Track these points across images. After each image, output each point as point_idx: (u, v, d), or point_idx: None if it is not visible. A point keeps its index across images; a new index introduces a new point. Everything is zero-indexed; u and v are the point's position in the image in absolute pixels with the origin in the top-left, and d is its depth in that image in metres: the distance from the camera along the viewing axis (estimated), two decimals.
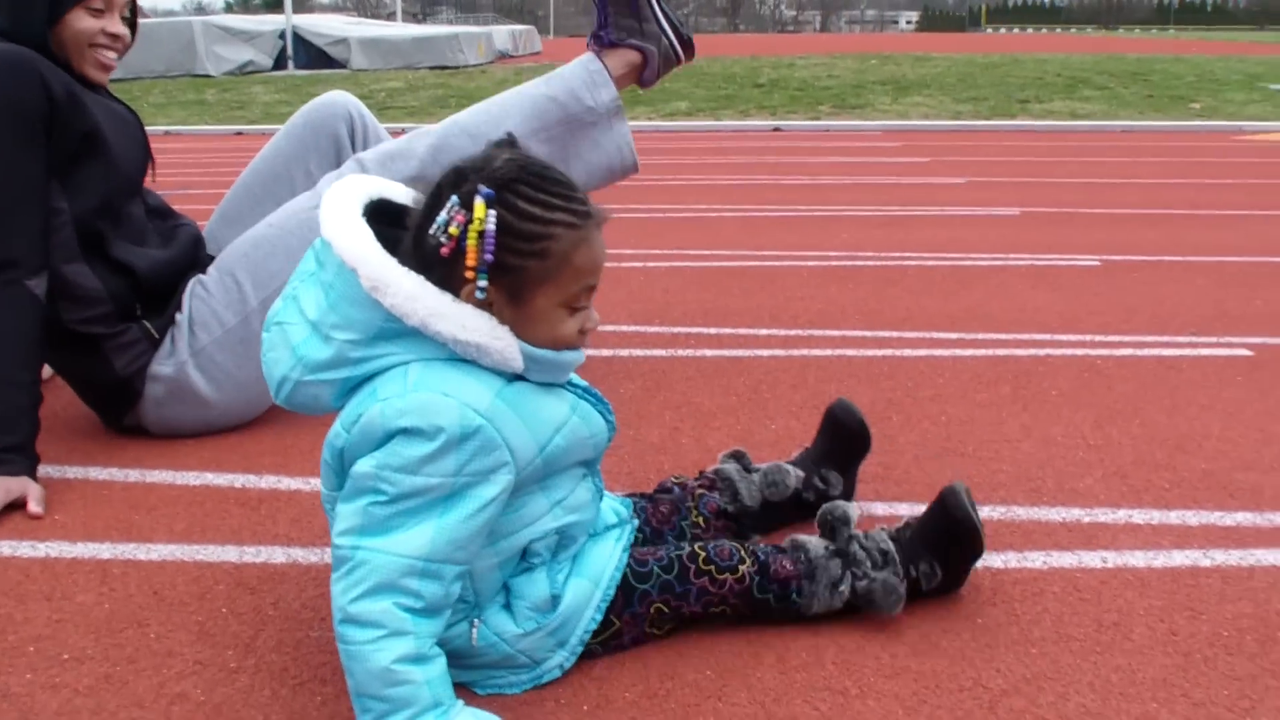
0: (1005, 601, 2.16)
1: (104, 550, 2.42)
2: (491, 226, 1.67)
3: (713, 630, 2.05)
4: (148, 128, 3.20)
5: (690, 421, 3.13)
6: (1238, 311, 4.21)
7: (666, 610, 1.98)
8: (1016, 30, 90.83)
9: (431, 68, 22.70)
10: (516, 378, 1.79)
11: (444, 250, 1.68)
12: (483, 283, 1.70)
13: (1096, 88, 15.66)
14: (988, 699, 1.86)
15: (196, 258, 3.17)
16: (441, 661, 1.71)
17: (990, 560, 2.31)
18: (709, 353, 3.73)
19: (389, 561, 1.66)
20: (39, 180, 2.77)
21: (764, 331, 3.95)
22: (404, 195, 1.91)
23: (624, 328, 4.02)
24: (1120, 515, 2.53)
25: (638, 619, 1.97)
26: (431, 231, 1.70)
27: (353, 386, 1.78)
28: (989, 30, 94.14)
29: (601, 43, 3.37)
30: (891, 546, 2.09)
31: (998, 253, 5.27)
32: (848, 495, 2.49)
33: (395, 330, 1.72)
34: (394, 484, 1.67)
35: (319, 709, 1.86)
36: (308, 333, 1.77)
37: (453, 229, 1.68)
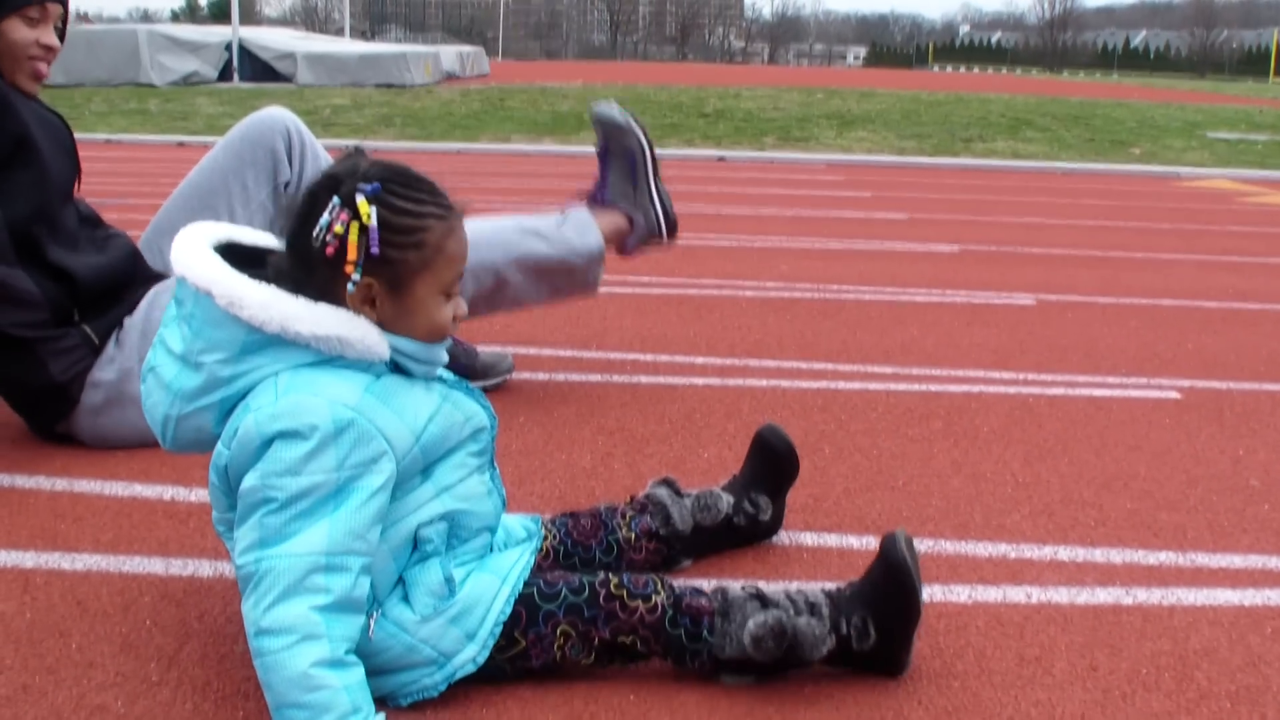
0: (929, 634, 2.17)
1: (27, 559, 2.40)
2: (374, 222, 1.78)
3: (637, 654, 2.04)
4: (89, 136, 3.19)
5: (623, 447, 3.13)
6: (1168, 354, 4.26)
7: (573, 634, 1.95)
8: (962, 69, 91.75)
9: (378, 85, 22.66)
10: (386, 372, 1.86)
11: (329, 250, 1.78)
12: (357, 276, 1.80)
13: (1039, 129, 15.84)
14: None
15: (136, 268, 3.15)
16: (359, 671, 1.73)
17: None
18: (644, 379, 3.74)
19: (292, 563, 1.70)
20: None
21: (700, 360, 3.96)
22: (251, 237, 2.01)
23: (560, 352, 4.02)
24: (1046, 552, 2.55)
25: (543, 640, 1.94)
26: (315, 234, 1.78)
27: (229, 409, 1.84)
28: (935, 69, 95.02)
29: (595, 201, 3.49)
30: (822, 599, 2.00)
31: (935, 288, 5.32)
32: (777, 520, 2.50)
33: (259, 342, 1.80)
34: (281, 489, 1.72)
35: None
36: (178, 367, 1.85)
37: (337, 228, 1.77)
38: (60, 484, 2.81)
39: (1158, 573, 2.47)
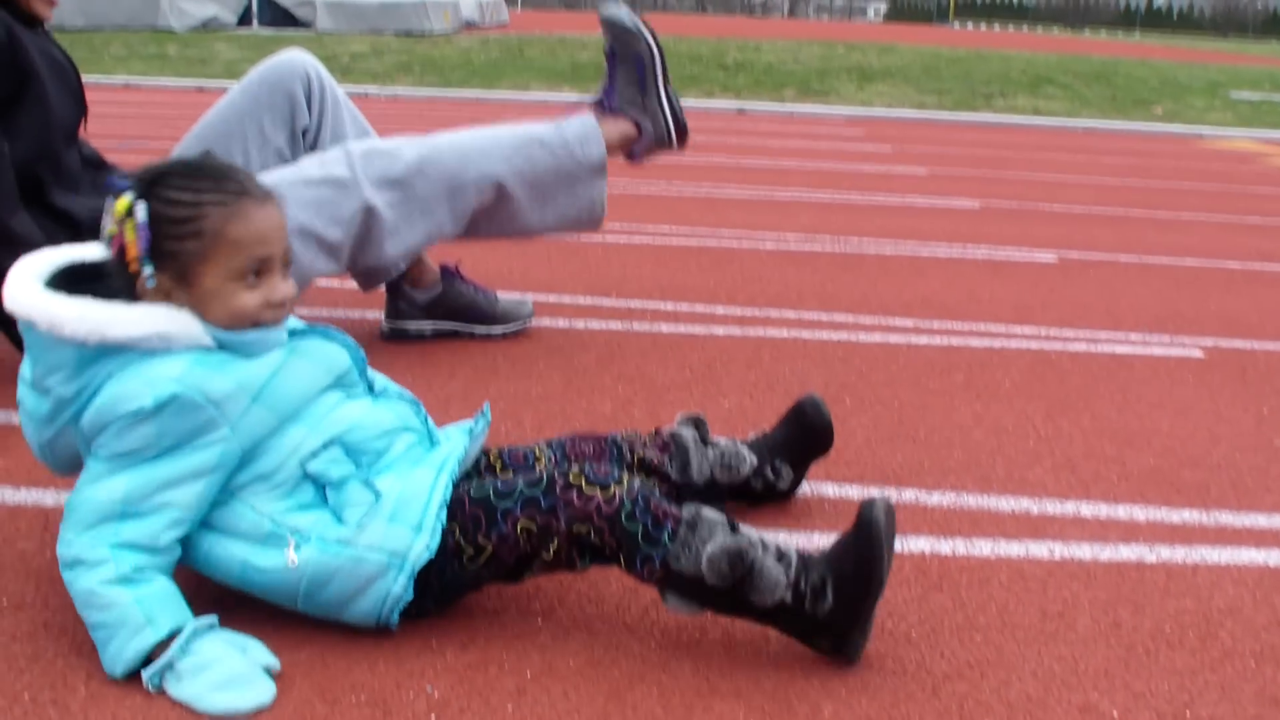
0: (951, 588, 2.16)
1: (47, 497, 2.39)
2: (142, 217, 1.83)
3: (658, 604, 2.02)
4: (107, 79, 3.17)
5: (643, 394, 3.12)
6: (1191, 313, 4.23)
7: (534, 529, 1.89)
8: (984, 26, 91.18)
9: (397, 33, 22.55)
10: (218, 350, 1.90)
11: (114, 251, 1.86)
12: (148, 270, 1.85)
13: (1060, 86, 15.75)
14: (930, 683, 1.86)
15: None
16: (159, 585, 1.80)
17: (939, 546, 2.32)
18: (665, 328, 3.72)
19: (90, 504, 1.81)
20: None
21: (720, 310, 3.94)
22: (96, 253, 2.02)
23: (580, 299, 4.00)
24: (1068, 507, 2.53)
25: (506, 540, 1.90)
26: (105, 239, 1.88)
27: None
28: (956, 25, 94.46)
29: (603, 108, 3.42)
30: (793, 553, 1.91)
31: (956, 243, 5.29)
32: (793, 489, 2.47)
33: (92, 355, 1.85)
34: (105, 449, 1.82)
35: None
36: (33, 395, 1.91)
37: (112, 228, 1.85)
38: None
39: (1181, 530, 2.46)
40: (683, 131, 3.43)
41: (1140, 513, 2.53)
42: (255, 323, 1.91)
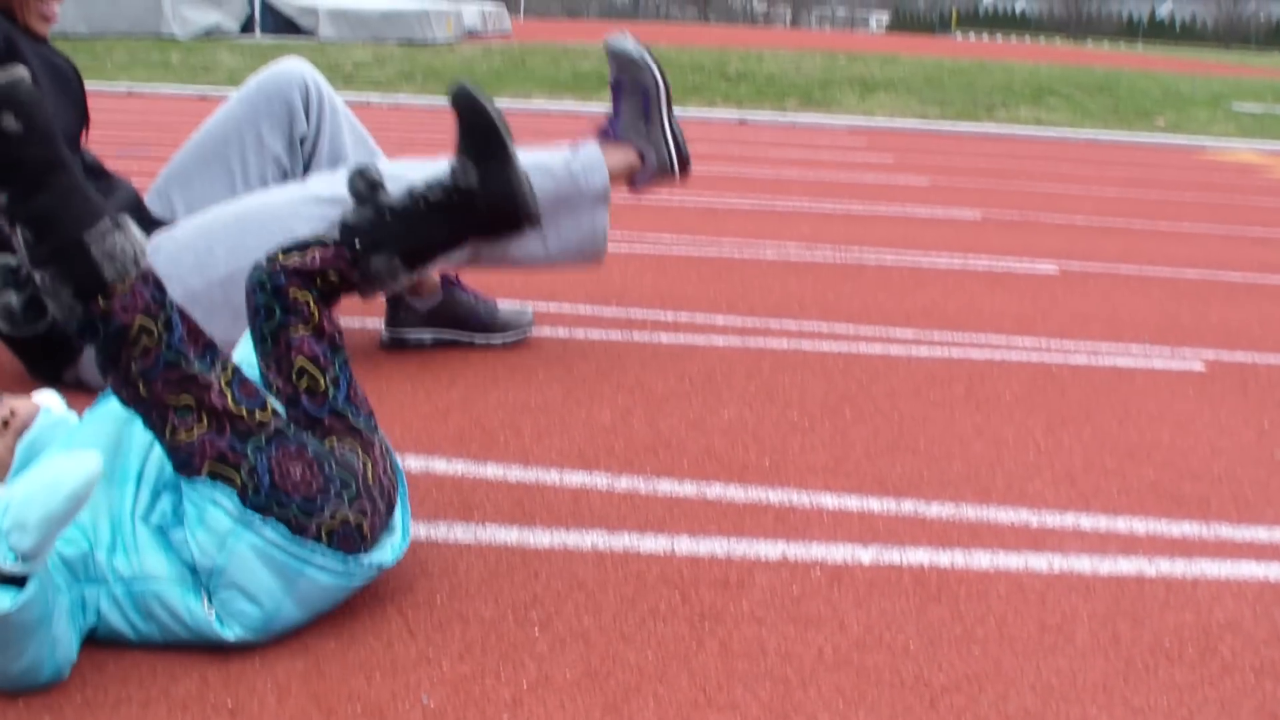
0: (950, 600, 2.16)
1: None
2: None
3: (655, 614, 2.03)
4: (110, 87, 3.17)
5: (643, 404, 3.11)
6: (1192, 325, 4.23)
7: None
8: (985, 37, 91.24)
9: (399, 42, 22.60)
10: None
11: None
12: None
13: (1063, 97, 15.75)
14: (929, 695, 1.86)
15: (138, 216, 3.13)
16: None
17: (937, 558, 2.31)
18: (665, 338, 3.71)
19: None
20: None
21: (720, 319, 3.93)
22: None
23: (580, 308, 4.00)
24: (1068, 519, 2.53)
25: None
26: None
27: None
28: (958, 36, 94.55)
29: (606, 136, 3.44)
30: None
31: (957, 253, 5.28)
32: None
33: None
34: None
35: None
36: None
37: None
38: None
39: (1181, 544, 2.45)
40: (685, 163, 3.45)
41: (1140, 525, 2.52)
42: None
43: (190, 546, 1.83)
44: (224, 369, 1.86)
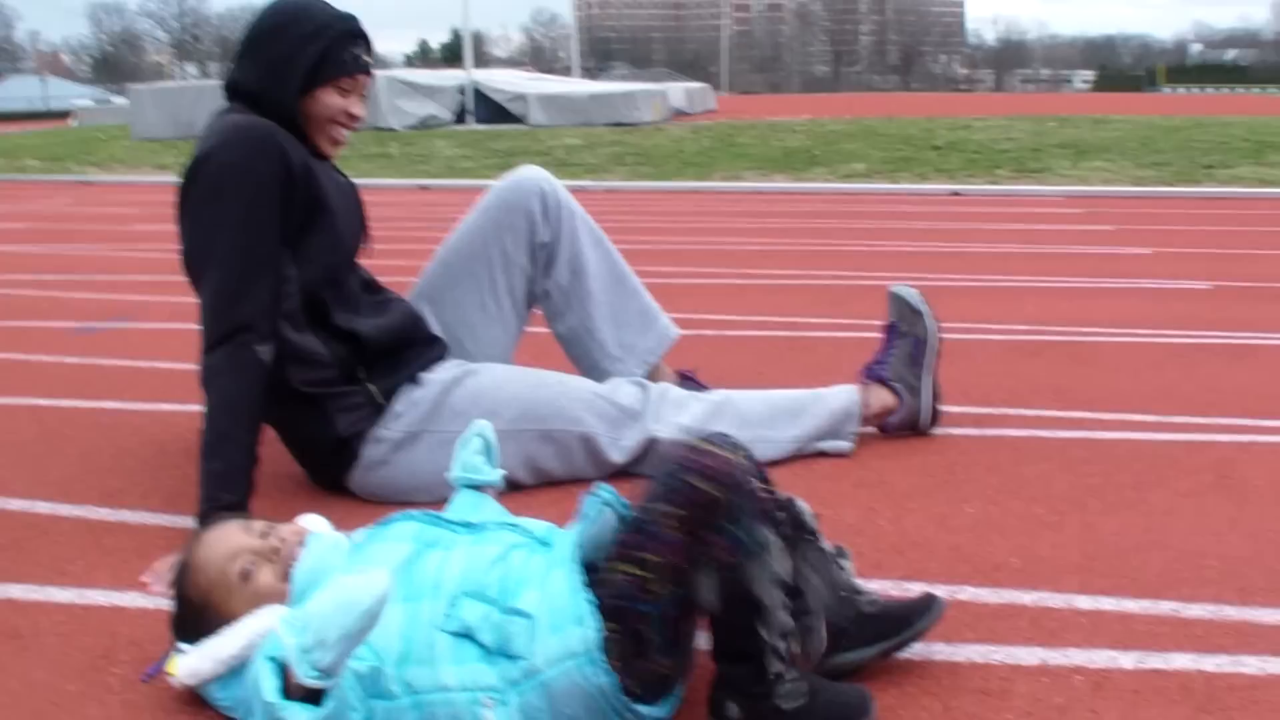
0: (1221, 709, 2.09)
1: None
2: None
3: None
4: None
5: (885, 502, 3.10)
6: None
7: (678, 509, 1.87)
8: (1196, 90, 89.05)
9: (607, 124, 22.99)
10: None
11: None
12: None
13: None
14: None
15: (416, 329, 3.26)
16: None
17: (1201, 663, 2.25)
18: None
19: None
20: (275, 249, 2.89)
21: (955, 409, 3.88)
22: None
23: None
24: None
25: (659, 537, 1.87)
26: None
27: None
28: (1167, 90, 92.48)
29: (872, 375, 3.57)
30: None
31: (1190, 329, 5.15)
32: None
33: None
34: None
35: None
36: None
37: None
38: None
39: None
40: (936, 417, 3.61)
41: None
42: None
43: (536, 634, 1.90)
44: None
